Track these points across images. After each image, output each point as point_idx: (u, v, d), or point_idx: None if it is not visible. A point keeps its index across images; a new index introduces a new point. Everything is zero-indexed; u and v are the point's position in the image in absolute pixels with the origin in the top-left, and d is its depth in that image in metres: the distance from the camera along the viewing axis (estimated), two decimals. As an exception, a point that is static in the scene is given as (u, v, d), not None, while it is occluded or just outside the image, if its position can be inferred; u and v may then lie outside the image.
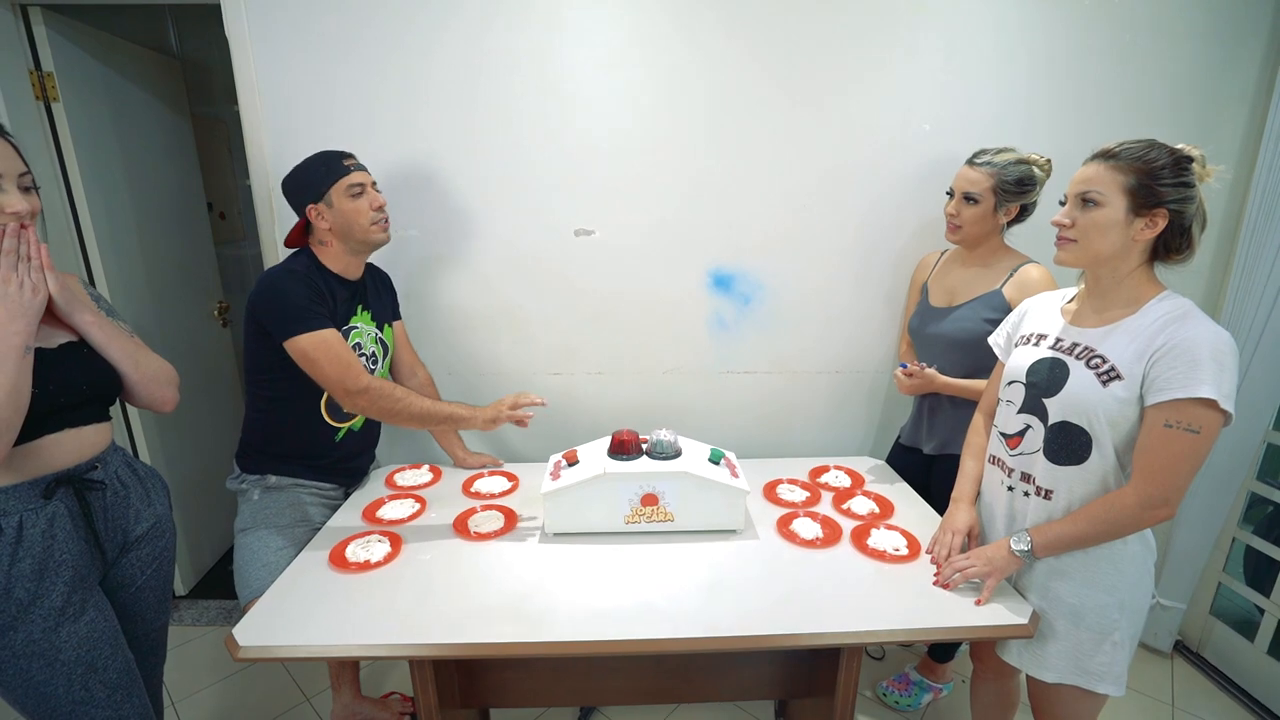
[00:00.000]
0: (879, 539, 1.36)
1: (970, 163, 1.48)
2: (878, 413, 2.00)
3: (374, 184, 1.45)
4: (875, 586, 1.22)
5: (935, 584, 1.21)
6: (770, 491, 1.60)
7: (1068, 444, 1.09)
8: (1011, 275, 1.48)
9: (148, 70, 2.28)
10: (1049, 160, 1.47)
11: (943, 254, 1.68)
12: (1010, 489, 1.20)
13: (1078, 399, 1.06)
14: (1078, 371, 1.08)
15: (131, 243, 2.17)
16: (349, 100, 1.72)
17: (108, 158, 2.07)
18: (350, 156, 1.43)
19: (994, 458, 1.26)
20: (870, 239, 1.84)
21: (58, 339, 1.09)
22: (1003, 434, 1.21)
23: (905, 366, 1.56)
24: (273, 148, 1.76)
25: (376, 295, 1.58)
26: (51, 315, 1.07)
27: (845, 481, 1.66)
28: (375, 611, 1.15)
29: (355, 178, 1.40)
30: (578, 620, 1.13)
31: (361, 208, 1.40)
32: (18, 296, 0.98)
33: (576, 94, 1.72)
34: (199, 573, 2.47)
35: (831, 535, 1.38)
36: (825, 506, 1.54)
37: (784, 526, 1.42)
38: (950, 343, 1.52)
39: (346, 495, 1.61)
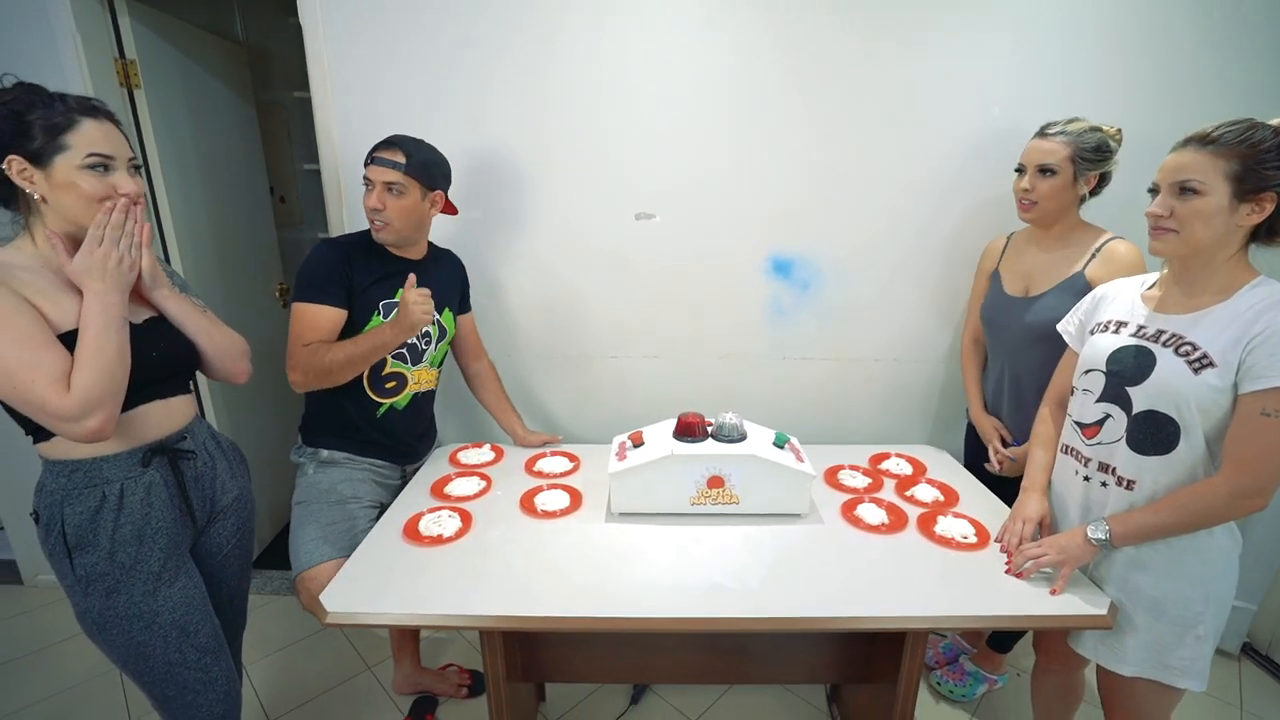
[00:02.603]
0: (946, 526, 1.35)
1: (1042, 134, 1.43)
2: (936, 402, 1.97)
3: (387, 185, 1.40)
4: (943, 573, 1.22)
5: (1007, 572, 1.19)
6: (831, 477, 1.60)
7: (1154, 433, 1.06)
8: (1095, 254, 1.41)
9: (218, 57, 2.35)
10: (1119, 130, 1.42)
11: (1009, 238, 1.63)
12: (1087, 479, 1.18)
13: (1167, 387, 1.04)
14: (1166, 359, 1.05)
15: (203, 224, 2.25)
16: (416, 87, 1.75)
17: (182, 142, 2.14)
18: (385, 148, 1.41)
19: (1068, 447, 1.23)
20: (932, 223, 1.81)
21: (142, 315, 1.14)
22: (1078, 423, 1.19)
23: (1015, 445, 1.55)
24: (341, 134, 1.80)
25: (439, 278, 1.58)
26: (134, 291, 1.11)
27: (907, 469, 1.65)
28: (449, 583, 1.19)
29: (369, 172, 1.42)
30: (646, 597, 1.14)
31: (365, 203, 1.43)
32: (116, 270, 1.03)
33: (641, 79, 1.72)
34: (261, 544, 2.57)
35: (897, 521, 1.38)
36: (888, 493, 1.53)
37: (848, 511, 1.42)
38: (1034, 335, 1.46)
39: (403, 476, 1.65)
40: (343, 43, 1.73)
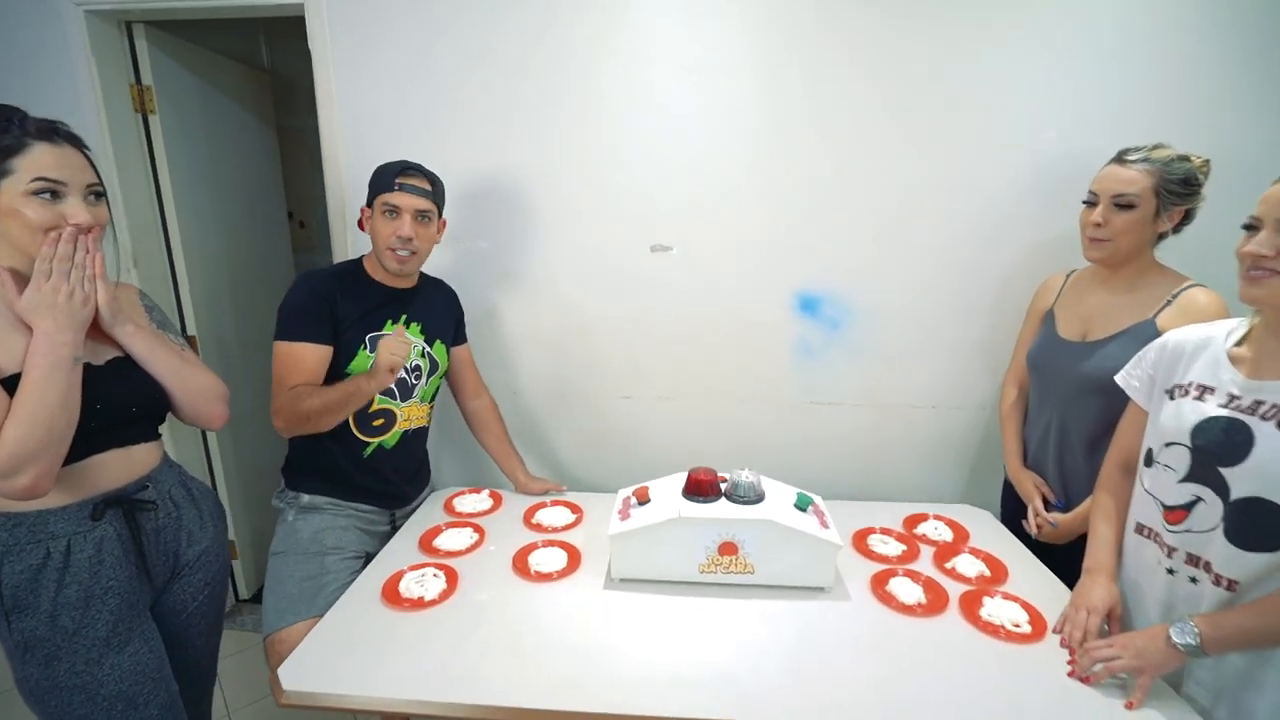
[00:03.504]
0: (994, 610, 1.17)
1: (1120, 160, 1.25)
2: (978, 454, 1.78)
3: (419, 213, 1.35)
4: (992, 671, 1.04)
5: (1071, 675, 1.01)
6: (860, 542, 1.43)
7: (1258, 525, 0.88)
8: (1170, 302, 1.22)
9: (239, 83, 2.34)
10: (1207, 161, 1.23)
11: (1070, 275, 1.45)
12: (1171, 572, 0.99)
13: (1272, 470, 0.86)
14: (1268, 436, 0.87)
15: (217, 252, 2.21)
16: (425, 113, 1.68)
17: (197, 169, 2.11)
18: (412, 173, 1.36)
19: (1145, 528, 1.05)
20: (976, 259, 1.64)
21: (105, 354, 1.05)
22: (1161, 504, 1.01)
23: (1058, 507, 1.36)
24: (348, 159, 1.74)
25: (430, 310, 1.50)
26: (98, 329, 1.03)
27: (947, 534, 1.47)
28: (427, 658, 1.06)
29: (394, 199, 1.33)
30: (644, 688, 1.00)
31: (385, 230, 1.35)
32: (66, 306, 0.94)
33: (657, 104, 1.62)
34: (261, 576, 2.49)
35: (936, 601, 1.20)
36: (925, 564, 1.35)
37: (879, 586, 1.25)
38: (1089, 386, 1.28)
39: (393, 521, 1.54)
40: (351, 68, 1.68)
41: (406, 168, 1.36)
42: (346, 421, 1.39)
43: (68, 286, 0.94)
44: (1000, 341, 1.66)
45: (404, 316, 1.43)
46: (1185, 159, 1.21)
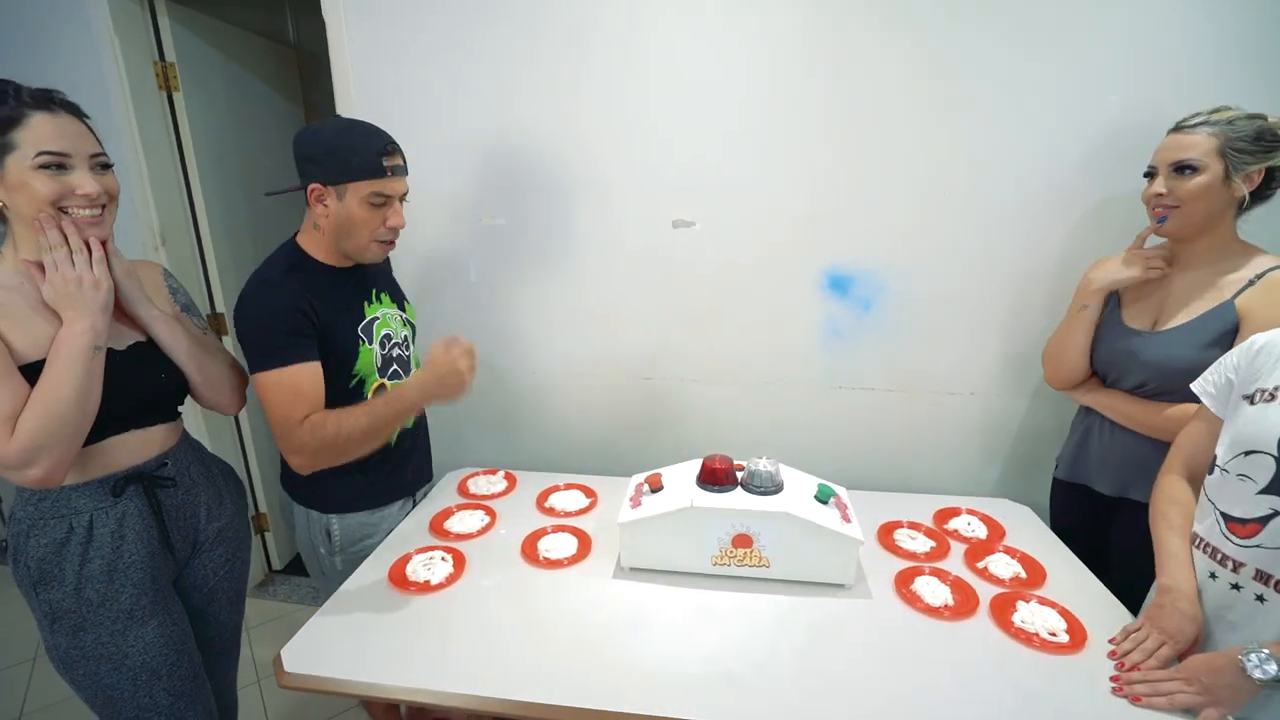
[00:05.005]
0: (1028, 616, 1.08)
1: (1178, 129, 1.13)
2: (1022, 445, 1.67)
3: (404, 196, 1.20)
4: (1023, 683, 0.96)
5: (1115, 692, 0.92)
6: (886, 536, 1.35)
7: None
8: (1254, 283, 1.09)
9: (264, 59, 2.33)
10: None
11: None
12: (1235, 587, 0.89)
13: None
14: None
15: (244, 228, 2.23)
16: (442, 85, 1.63)
17: (223, 146, 2.12)
18: (394, 151, 1.16)
19: (1203, 542, 0.95)
20: (1022, 236, 1.51)
21: (128, 339, 1.05)
22: (1225, 515, 0.90)
23: (1161, 222, 1.16)
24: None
25: (385, 275, 1.38)
26: (121, 311, 1.03)
27: (980, 531, 1.38)
28: (430, 645, 1.04)
29: (387, 186, 1.14)
30: (649, 685, 0.96)
31: (372, 221, 1.15)
32: (79, 294, 0.94)
33: (680, 72, 1.52)
34: (294, 549, 2.55)
35: (964, 603, 1.13)
36: (955, 563, 1.27)
37: (903, 585, 1.18)
38: (1155, 375, 1.17)
39: (414, 505, 1.49)
40: (367, 40, 1.63)
41: (390, 147, 1.15)
42: None
43: (75, 274, 0.94)
44: (1048, 324, 1.53)
45: (373, 291, 1.29)
46: (1257, 117, 1.08)
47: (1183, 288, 1.18)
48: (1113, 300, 1.29)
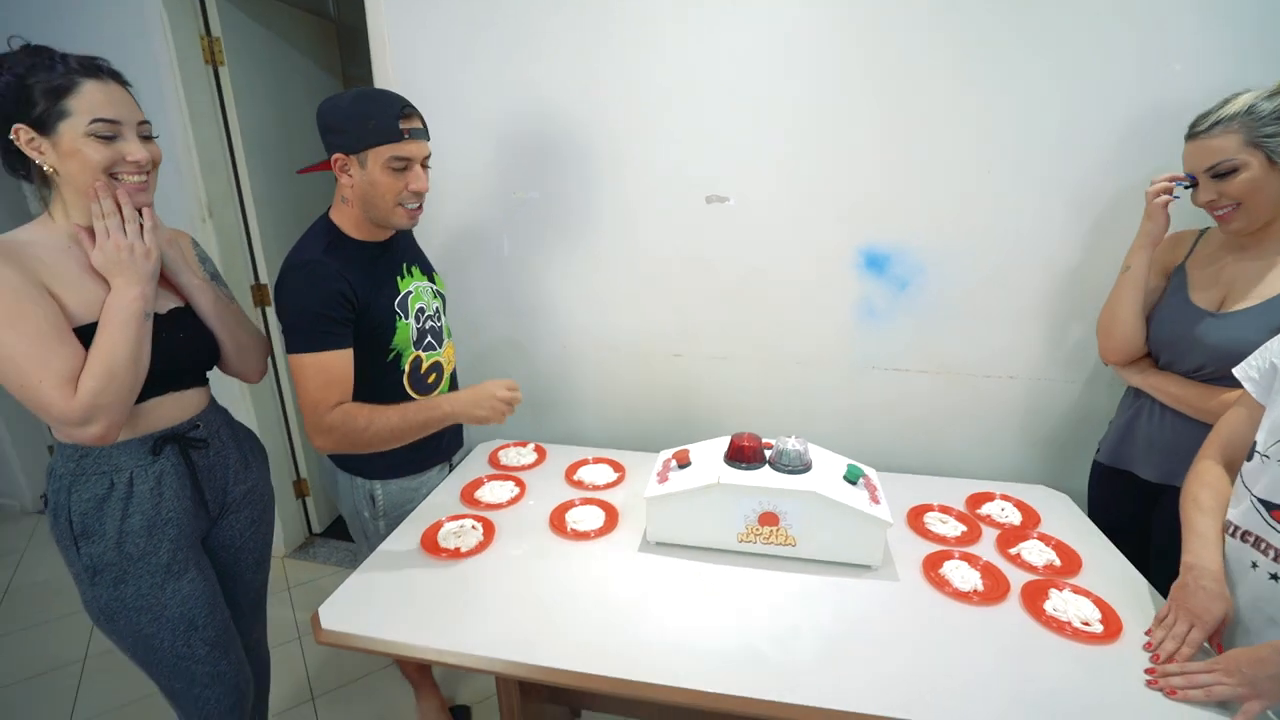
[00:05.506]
0: (1061, 604, 1.06)
1: (1192, 136, 1.09)
2: (1063, 432, 1.62)
3: (427, 160, 1.20)
4: (1052, 672, 0.94)
5: (1150, 685, 0.90)
6: (916, 519, 1.34)
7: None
8: None
9: (305, 33, 2.35)
10: None
11: (1203, 233, 1.26)
12: (1275, 578, 0.86)
13: None
14: None
15: (287, 201, 2.28)
16: (477, 58, 1.63)
17: (266, 120, 2.16)
18: (412, 114, 1.16)
19: (1239, 530, 0.92)
20: (1070, 214, 1.45)
21: (167, 304, 1.09)
22: (1264, 501, 0.87)
23: (1188, 182, 1.13)
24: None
25: (413, 247, 1.40)
26: (163, 277, 1.07)
27: (1015, 517, 1.35)
28: (459, 609, 1.07)
29: (405, 149, 1.14)
30: (672, 657, 0.97)
31: (394, 185, 1.16)
32: (130, 261, 0.98)
33: (715, 43, 1.49)
34: (333, 513, 2.65)
35: (994, 589, 1.11)
36: (986, 548, 1.25)
37: (932, 569, 1.16)
38: (1215, 358, 1.12)
39: (450, 470, 1.54)
40: (404, 14, 1.64)
41: (408, 110, 1.15)
42: (405, 391, 1.30)
43: (127, 241, 0.98)
44: (1095, 306, 1.47)
45: (404, 265, 1.32)
46: (1276, 94, 1.02)
47: (1254, 272, 1.12)
48: (1179, 278, 1.24)
